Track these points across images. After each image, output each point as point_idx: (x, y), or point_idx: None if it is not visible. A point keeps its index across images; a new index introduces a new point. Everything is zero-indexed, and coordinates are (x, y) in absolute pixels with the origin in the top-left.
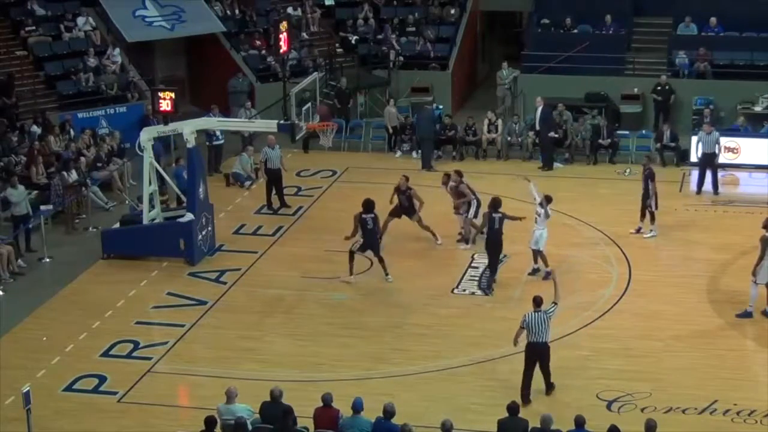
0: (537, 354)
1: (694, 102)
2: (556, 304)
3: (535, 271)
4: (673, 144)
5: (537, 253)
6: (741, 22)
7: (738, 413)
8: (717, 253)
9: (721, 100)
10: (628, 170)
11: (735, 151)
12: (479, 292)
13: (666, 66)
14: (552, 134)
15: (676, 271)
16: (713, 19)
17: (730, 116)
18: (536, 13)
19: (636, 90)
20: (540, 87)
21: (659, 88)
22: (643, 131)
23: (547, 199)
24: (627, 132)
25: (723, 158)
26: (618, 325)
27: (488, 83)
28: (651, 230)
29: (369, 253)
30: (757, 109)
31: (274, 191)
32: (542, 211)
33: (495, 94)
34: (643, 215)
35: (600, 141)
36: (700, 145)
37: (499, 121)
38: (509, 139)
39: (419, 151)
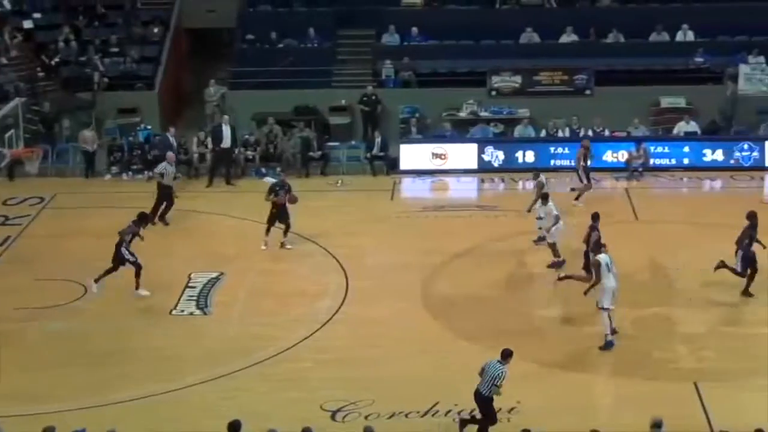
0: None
1: (400, 111)
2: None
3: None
4: (383, 153)
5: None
6: (441, 31)
7: (459, 413)
8: (430, 257)
9: (426, 108)
10: (340, 181)
11: (442, 157)
12: (197, 311)
13: (371, 77)
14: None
15: (392, 278)
16: (414, 29)
17: (436, 123)
18: (240, 29)
19: (343, 101)
20: (248, 103)
21: (366, 98)
22: (353, 142)
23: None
24: (337, 143)
25: (431, 164)
26: (337, 335)
27: (197, 101)
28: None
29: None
30: (462, 115)
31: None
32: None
33: (204, 111)
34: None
35: (311, 154)
36: None
37: (209, 139)
38: None
39: (129, 173)
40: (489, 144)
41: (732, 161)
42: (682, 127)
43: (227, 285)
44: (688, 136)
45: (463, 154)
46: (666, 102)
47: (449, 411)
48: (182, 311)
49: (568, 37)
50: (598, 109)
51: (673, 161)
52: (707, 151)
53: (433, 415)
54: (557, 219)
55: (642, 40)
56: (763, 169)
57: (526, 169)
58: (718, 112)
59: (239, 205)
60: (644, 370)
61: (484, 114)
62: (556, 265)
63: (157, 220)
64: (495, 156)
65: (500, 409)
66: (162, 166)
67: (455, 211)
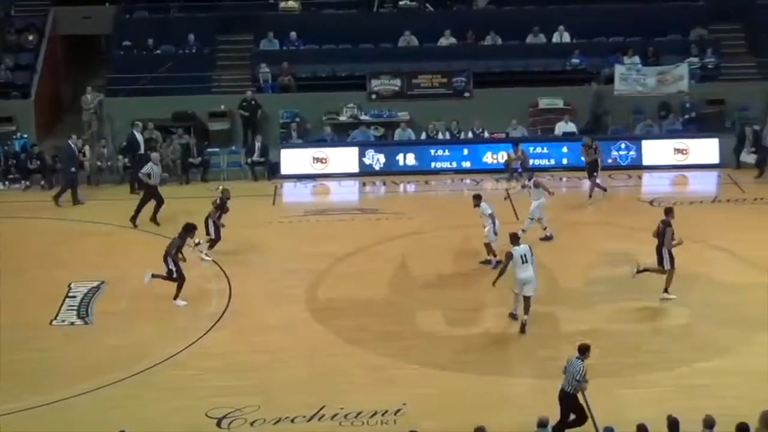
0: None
1: (280, 115)
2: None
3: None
4: (263, 158)
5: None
6: (320, 35)
7: (345, 416)
8: (314, 262)
9: (307, 112)
10: (220, 187)
11: (323, 161)
12: (79, 321)
13: (251, 82)
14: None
15: (276, 284)
16: (293, 34)
17: (317, 127)
18: (117, 35)
19: (222, 107)
20: (126, 109)
21: (245, 103)
22: (233, 147)
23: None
24: (217, 149)
25: (312, 169)
26: (222, 342)
27: (75, 108)
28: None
29: None
30: (342, 118)
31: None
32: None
33: (81, 119)
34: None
35: (191, 160)
36: None
37: (87, 147)
38: (99, 164)
39: (6, 183)
40: (370, 147)
41: (610, 160)
42: (561, 128)
43: (108, 293)
44: (567, 137)
45: (344, 158)
46: (544, 103)
47: (335, 415)
48: (63, 321)
49: (446, 40)
50: (477, 110)
51: (552, 161)
52: None
53: (319, 420)
54: (492, 219)
55: (519, 42)
56: (640, 167)
57: (406, 172)
58: (589, 111)
59: (120, 213)
60: (529, 368)
61: (364, 117)
62: (488, 262)
63: (142, 221)
64: (376, 159)
65: (386, 411)
66: (148, 167)
67: (337, 214)
